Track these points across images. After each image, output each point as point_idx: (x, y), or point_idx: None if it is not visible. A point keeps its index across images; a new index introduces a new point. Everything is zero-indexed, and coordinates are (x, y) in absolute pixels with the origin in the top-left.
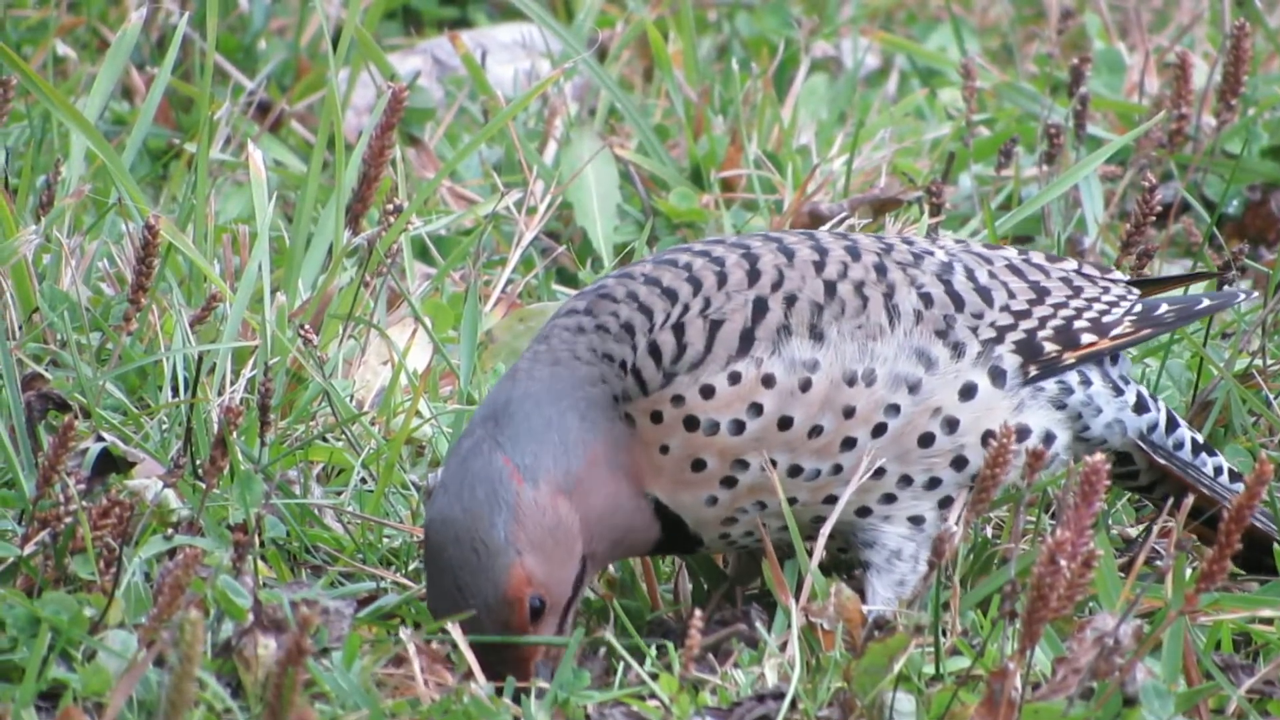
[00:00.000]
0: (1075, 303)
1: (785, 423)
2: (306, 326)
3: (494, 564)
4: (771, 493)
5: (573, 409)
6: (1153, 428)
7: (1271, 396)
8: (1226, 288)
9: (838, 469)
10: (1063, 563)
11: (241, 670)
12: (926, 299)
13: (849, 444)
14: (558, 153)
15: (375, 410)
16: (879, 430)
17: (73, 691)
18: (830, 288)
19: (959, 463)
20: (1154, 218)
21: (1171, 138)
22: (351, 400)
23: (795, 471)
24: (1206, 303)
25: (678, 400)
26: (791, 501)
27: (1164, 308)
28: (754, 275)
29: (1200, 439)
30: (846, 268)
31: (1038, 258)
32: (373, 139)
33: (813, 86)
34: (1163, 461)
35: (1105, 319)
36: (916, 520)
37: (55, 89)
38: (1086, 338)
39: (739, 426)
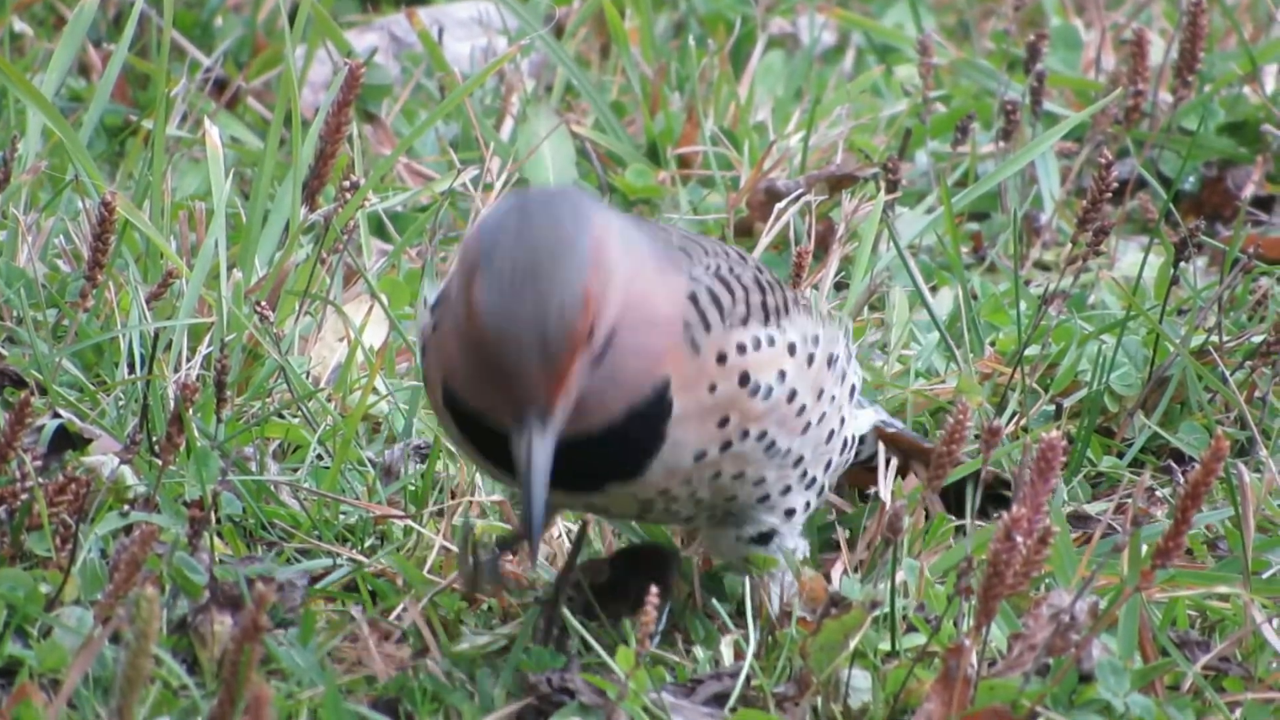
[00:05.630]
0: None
1: (791, 395)
2: (263, 303)
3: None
4: (740, 466)
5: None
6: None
7: (1228, 373)
8: (1183, 264)
9: (790, 452)
10: (1019, 539)
11: (198, 647)
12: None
13: (806, 427)
14: (514, 129)
15: (331, 387)
16: (822, 418)
17: (29, 668)
18: (769, 277)
19: (828, 465)
20: (1110, 194)
21: (1128, 114)
22: (308, 377)
23: (771, 448)
24: None
25: (741, 349)
26: (761, 481)
27: None
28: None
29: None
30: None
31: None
32: (329, 116)
33: (769, 63)
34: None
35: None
36: (790, 514)
37: (12, 65)
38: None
39: (768, 392)
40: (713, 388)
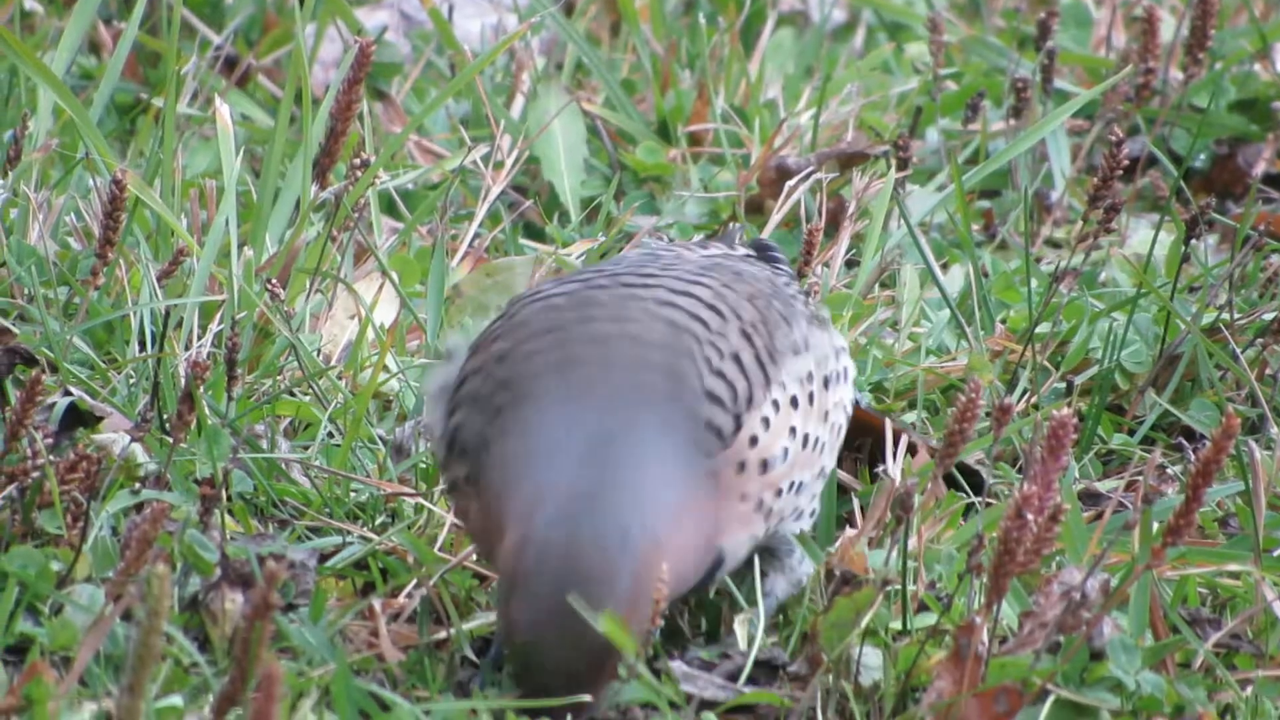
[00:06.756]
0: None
1: (805, 440)
2: (273, 281)
3: None
4: (779, 516)
5: None
6: None
7: (1239, 350)
8: (1194, 241)
9: (820, 473)
10: (1030, 517)
11: (209, 624)
12: (783, 302)
13: (819, 448)
14: (525, 107)
15: (342, 364)
16: (832, 430)
17: (40, 645)
18: (755, 309)
19: (834, 453)
20: (1121, 172)
21: (1139, 92)
22: (319, 355)
23: (799, 489)
24: None
25: (754, 442)
26: (797, 508)
27: None
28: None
29: None
30: (738, 300)
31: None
32: (340, 93)
33: (780, 41)
34: None
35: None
36: (812, 514)
37: (22, 43)
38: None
39: (785, 454)
40: (744, 496)
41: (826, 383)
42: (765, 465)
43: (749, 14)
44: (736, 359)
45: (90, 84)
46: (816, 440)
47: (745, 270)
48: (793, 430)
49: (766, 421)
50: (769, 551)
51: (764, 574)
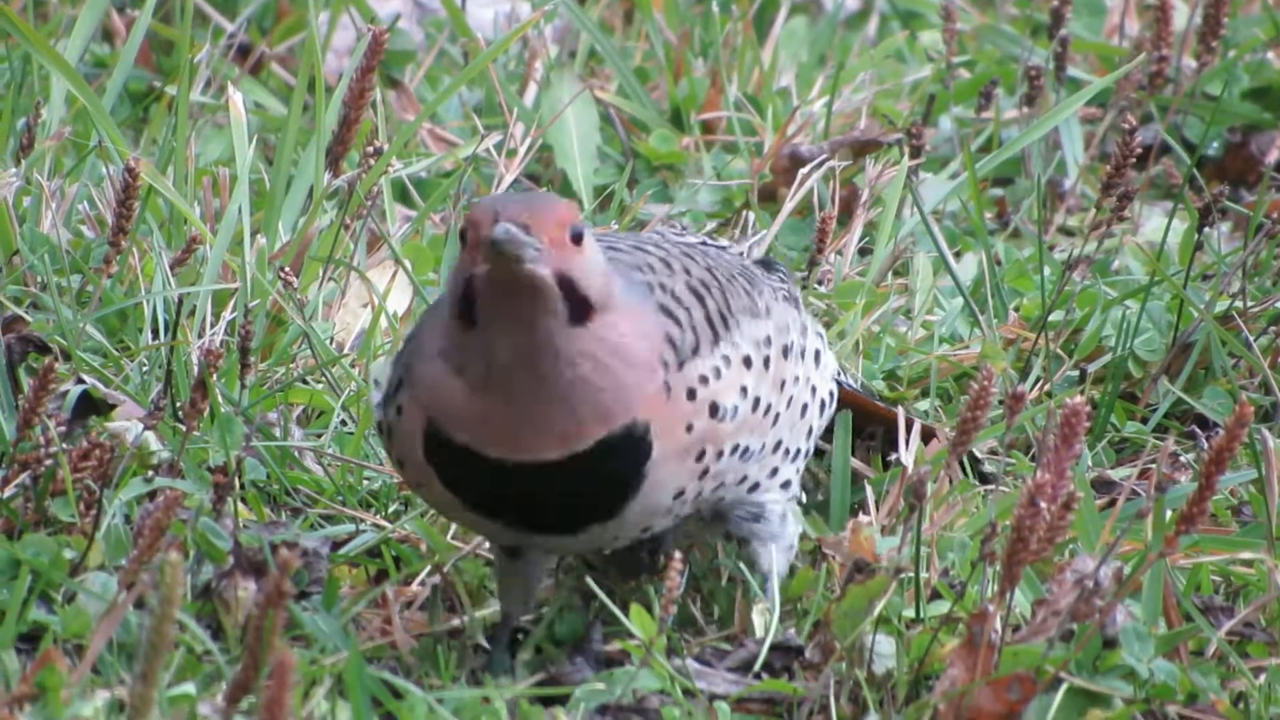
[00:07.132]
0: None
1: (755, 404)
2: (287, 269)
3: None
4: (720, 479)
5: None
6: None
7: (1251, 338)
8: (1207, 229)
9: (765, 446)
10: (1043, 505)
11: (221, 612)
12: (749, 279)
13: (775, 420)
14: (538, 95)
15: (355, 352)
16: (789, 402)
17: (53, 633)
18: (711, 275)
19: (809, 432)
20: (1134, 160)
21: (1152, 80)
22: (331, 342)
23: (745, 454)
24: None
25: (704, 380)
26: (744, 479)
27: None
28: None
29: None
30: (689, 262)
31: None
32: (353, 81)
33: (793, 29)
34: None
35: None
36: (786, 485)
37: (36, 31)
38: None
39: (734, 412)
40: (690, 427)
41: (785, 352)
42: (715, 409)
43: (762, 2)
44: (686, 307)
45: (103, 72)
46: (769, 407)
47: (716, 254)
48: (744, 390)
49: (718, 371)
50: (734, 519)
51: (745, 542)
